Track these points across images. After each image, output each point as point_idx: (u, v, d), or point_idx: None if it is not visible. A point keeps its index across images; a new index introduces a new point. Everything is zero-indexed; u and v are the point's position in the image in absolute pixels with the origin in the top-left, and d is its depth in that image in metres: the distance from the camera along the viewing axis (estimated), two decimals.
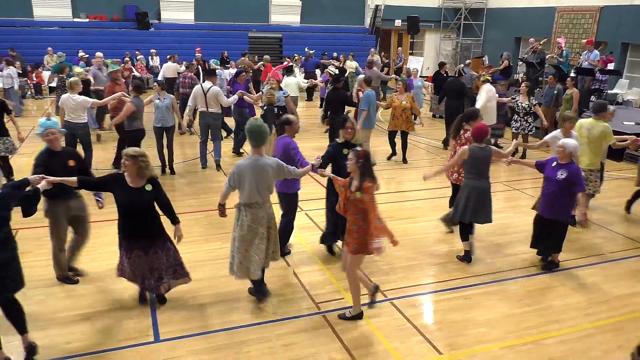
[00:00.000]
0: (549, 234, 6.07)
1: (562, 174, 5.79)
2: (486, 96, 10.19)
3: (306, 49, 18.73)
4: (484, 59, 19.24)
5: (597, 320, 5.20)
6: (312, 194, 8.62)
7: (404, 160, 10.56)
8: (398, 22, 23.81)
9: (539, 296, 5.63)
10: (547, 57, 15.35)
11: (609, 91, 14.48)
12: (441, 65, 15.82)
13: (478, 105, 10.06)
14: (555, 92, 11.89)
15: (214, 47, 19.56)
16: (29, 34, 19.13)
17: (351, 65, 16.84)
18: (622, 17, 16.40)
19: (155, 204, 4.87)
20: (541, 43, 15.78)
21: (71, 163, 5.24)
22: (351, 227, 4.70)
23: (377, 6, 22.97)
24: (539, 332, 4.96)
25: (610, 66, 14.13)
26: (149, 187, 4.73)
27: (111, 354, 4.46)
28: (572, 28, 18.28)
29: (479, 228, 6.75)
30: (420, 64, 20.14)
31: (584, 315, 5.30)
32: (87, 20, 20.27)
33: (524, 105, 10.60)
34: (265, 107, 9.37)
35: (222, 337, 4.74)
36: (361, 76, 11.19)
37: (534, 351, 4.68)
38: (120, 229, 4.82)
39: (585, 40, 15.27)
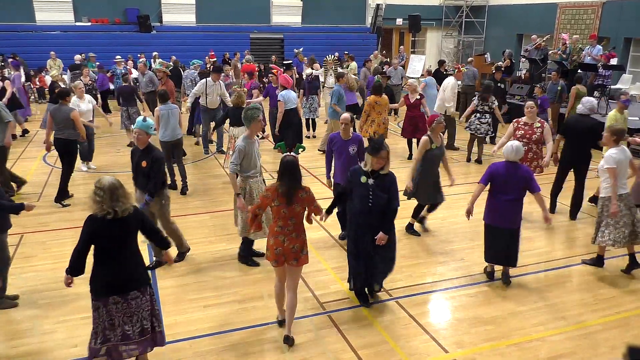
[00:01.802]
0: None
1: None
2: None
3: (295, 50, 18.86)
4: (485, 56, 19.19)
5: (603, 317, 5.18)
6: (316, 194, 8.62)
7: None
8: (399, 21, 23.79)
9: (545, 293, 5.61)
10: (549, 53, 15.31)
11: (612, 86, 14.43)
12: (441, 63, 15.80)
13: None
14: (559, 88, 11.85)
15: (216, 48, 19.58)
16: (32, 38, 19.20)
17: (352, 66, 16.76)
18: (624, 12, 16.34)
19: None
20: (544, 40, 15.74)
21: (143, 164, 5.53)
22: None
23: (378, 5, 22.95)
24: (545, 329, 4.94)
25: (613, 61, 14.09)
26: None
27: None
28: (575, 24, 18.23)
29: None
30: (422, 63, 20.09)
31: (591, 311, 5.28)
32: (89, 23, 20.33)
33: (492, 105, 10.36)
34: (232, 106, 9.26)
35: (227, 338, 4.75)
36: (410, 80, 11.27)
37: (540, 348, 4.66)
38: None
39: (576, 36, 15.20)
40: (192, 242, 6.74)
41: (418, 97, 10.41)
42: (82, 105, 9.07)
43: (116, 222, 3.83)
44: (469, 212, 5.73)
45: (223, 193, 8.69)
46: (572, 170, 7.65)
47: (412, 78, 12.43)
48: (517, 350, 4.63)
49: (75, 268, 3.94)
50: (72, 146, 8.08)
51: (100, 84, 14.49)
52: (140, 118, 5.76)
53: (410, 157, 10.95)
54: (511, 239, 5.60)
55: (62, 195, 8.08)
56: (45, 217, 7.51)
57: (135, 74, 15.41)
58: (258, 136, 6.00)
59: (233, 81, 14.51)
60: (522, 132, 7.42)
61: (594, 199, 8.20)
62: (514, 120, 7.64)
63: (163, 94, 8.74)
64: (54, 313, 5.11)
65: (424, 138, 6.64)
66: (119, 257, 3.92)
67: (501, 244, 5.62)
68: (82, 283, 5.62)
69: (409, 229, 7.15)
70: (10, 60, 16.16)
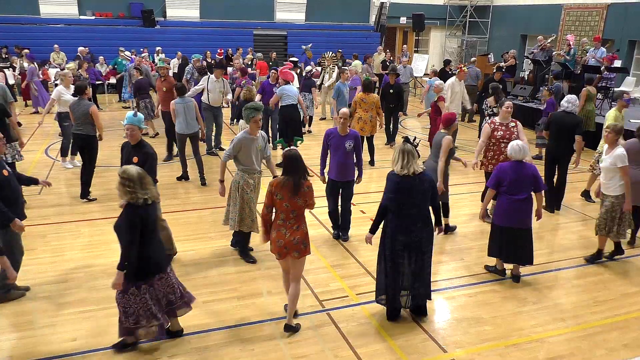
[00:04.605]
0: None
1: None
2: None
3: (302, 46, 18.77)
4: (489, 56, 19.16)
5: (602, 319, 5.17)
6: (315, 191, 8.61)
7: (372, 163, 10.31)
8: (403, 20, 23.74)
9: (544, 294, 5.61)
10: (553, 54, 15.27)
11: (616, 89, 14.39)
12: (446, 63, 15.74)
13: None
14: (553, 90, 11.86)
15: (219, 44, 19.55)
16: (35, 31, 19.19)
17: (355, 64, 16.68)
18: (629, 15, 16.29)
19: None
20: (549, 41, 15.70)
21: (135, 159, 5.32)
22: None
23: (382, 3, 22.89)
24: (544, 330, 4.94)
25: (616, 63, 14.06)
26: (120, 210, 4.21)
27: (115, 352, 4.47)
28: (579, 25, 18.18)
29: (483, 226, 6.73)
30: (425, 62, 20.05)
31: (590, 313, 5.27)
32: (93, 17, 20.32)
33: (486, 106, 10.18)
34: (239, 102, 9.85)
35: (226, 334, 4.75)
36: (438, 82, 11.02)
37: (539, 349, 4.66)
38: None
39: (585, 39, 15.14)
40: (191, 238, 6.75)
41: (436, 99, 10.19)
42: (66, 95, 9.03)
43: (151, 206, 4.19)
44: (484, 217, 6.11)
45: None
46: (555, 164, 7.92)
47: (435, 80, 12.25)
48: (516, 351, 4.63)
49: (129, 261, 4.11)
50: (91, 141, 8.01)
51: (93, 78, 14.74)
52: (130, 113, 5.61)
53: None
54: (526, 239, 5.66)
55: (86, 190, 8.01)
56: (45, 210, 7.51)
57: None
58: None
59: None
60: (502, 132, 7.04)
61: (586, 194, 8.30)
62: (489, 121, 7.27)
63: (181, 88, 8.95)
64: (53, 306, 5.11)
65: (449, 138, 6.45)
66: (157, 238, 4.34)
67: (515, 244, 5.65)
68: (82, 277, 5.65)
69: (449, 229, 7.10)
70: (26, 52, 16.18)
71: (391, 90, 11.10)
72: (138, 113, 5.68)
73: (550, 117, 8.06)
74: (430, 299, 5.12)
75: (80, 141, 8.05)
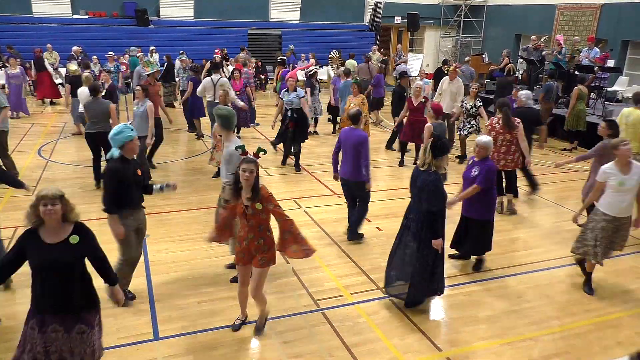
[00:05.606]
0: (473, 233, 5.94)
1: (475, 172, 5.74)
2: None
3: (290, 46, 18.80)
4: (483, 56, 19.22)
5: (596, 317, 5.20)
6: (311, 191, 8.63)
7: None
8: (398, 19, 23.77)
9: (538, 293, 5.63)
10: (544, 53, 15.35)
11: (609, 88, 14.48)
12: (444, 62, 15.78)
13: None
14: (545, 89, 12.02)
15: (213, 44, 19.53)
16: (28, 30, 19.09)
17: (351, 63, 16.70)
18: (622, 15, 16.38)
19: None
20: (542, 40, 15.77)
21: (139, 172, 4.98)
22: (257, 243, 4.42)
23: (376, 3, 22.90)
24: (538, 329, 4.96)
25: (609, 63, 14.15)
26: (74, 240, 3.41)
27: (110, 352, 4.43)
28: (573, 25, 18.26)
29: None
30: (420, 61, 20.08)
31: (584, 311, 5.30)
32: (86, 16, 20.23)
33: (467, 106, 10.01)
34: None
35: (221, 335, 4.74)
36: (418, 83, 10.85)
37: (533, 347, 4.68)
38: (34, 295, 3.46)
39: (577, 37, 15.24)
40: (186, 238, 6.74)
41: (422, 100, 9.96)
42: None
43: None
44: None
45: (216, 189, 8.65)
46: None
47: (419, 81, 12.32)
48: (511, 350, 4.64)
49: None
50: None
51: None
52: (130, 126, 5.01)
53: (401, 164, 10.32)
54: None
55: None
56: None
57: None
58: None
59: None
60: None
61: None
62: (519, 120, 7.58)
63: (147, 89, 8.89)
64: None
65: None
66: None
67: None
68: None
69: None
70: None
71: (405, 94, 11.15)
72: None
73: (514, 113, 8.21)
74: (407, 305, 5.21)
75: (97, 140, 8.05)
